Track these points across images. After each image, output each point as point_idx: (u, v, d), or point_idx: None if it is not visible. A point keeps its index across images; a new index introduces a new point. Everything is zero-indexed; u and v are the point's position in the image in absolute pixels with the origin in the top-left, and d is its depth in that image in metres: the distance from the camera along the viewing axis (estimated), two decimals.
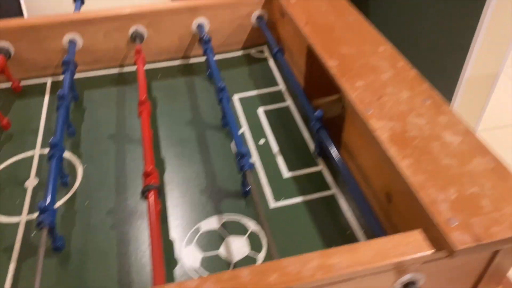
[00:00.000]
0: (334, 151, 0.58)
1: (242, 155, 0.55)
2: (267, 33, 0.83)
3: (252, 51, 0.90)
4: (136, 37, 0.81)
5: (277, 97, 0.79)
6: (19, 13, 1.87)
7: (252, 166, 0.55)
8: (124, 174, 0.64)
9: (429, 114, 0.52)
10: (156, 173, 0.53)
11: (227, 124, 0.67)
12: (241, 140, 0.58)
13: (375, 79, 0.58)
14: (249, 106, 0.77)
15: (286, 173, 0.64)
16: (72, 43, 0.79)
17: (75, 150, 0.69)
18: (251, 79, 0.83)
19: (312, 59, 0.69)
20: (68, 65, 0.72)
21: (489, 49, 1.21)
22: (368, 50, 0.64)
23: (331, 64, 0.61)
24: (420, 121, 0.51)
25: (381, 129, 0.50)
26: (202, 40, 0.79)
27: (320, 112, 0.60)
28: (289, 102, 0.77)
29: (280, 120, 0.74)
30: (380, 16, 1.75)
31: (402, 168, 0.45)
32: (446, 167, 0.45)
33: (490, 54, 1.22)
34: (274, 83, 0.82)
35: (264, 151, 0.68)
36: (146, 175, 0.52)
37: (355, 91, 0.56)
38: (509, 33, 1.18)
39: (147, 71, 0.85)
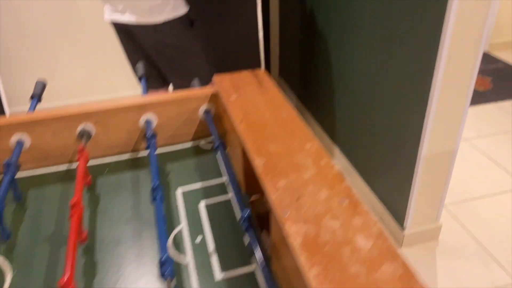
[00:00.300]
0: (258, 253, 0.57)
1: (163, 263, 0.54)
2: (212, 126, 0.85)
3: (201, 142, 0.92)
4: (84, 135, 0.84)
5: (221, 189, 0.79)
6: (1, 110, 1.93)
7: (172, 275, 0.54)
8: (53, 281, 0.63)
9: (345, 215, 0.52)
10: (73, 285, 0.52)
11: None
12: (166, 245, 0.58)
13: (298, 177, 0.59)
14: (192, 200, 0.77)
15: (218, 274, 0.62)
16: (19, 143, 0.81)
17: (8, 254, 0.67)
18: (197, 171, 0.84)
19: (247, 155, 0.70)
20: (8, 168, 0.73)
21: (442, 127, 1.25)
22: (295, 147, 0.66)
23: (258, 162, 0.63)
24: (335, 223, 0.51)
25: (295, 233, 0.50)
26: (146, 138, 0.82)
27: (247, 211, 0.61)
28: (231, 195, 0.78)
29: (220, 214, 0.74)
30: (338, 103, 1.84)
31: (309, 278, 0.45)
32: (354, 275, 0.45)
33: (444, 132, 1.26)
34: (219, 174, 0.83)
35: (200, 249, 0.67)
36: (61, 286, 0.51)
37: (276, 191, 0.57)
38: (461, 111, 1.23)
39: (95, 166, 0.86)
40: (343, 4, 1.60)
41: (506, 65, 2.96)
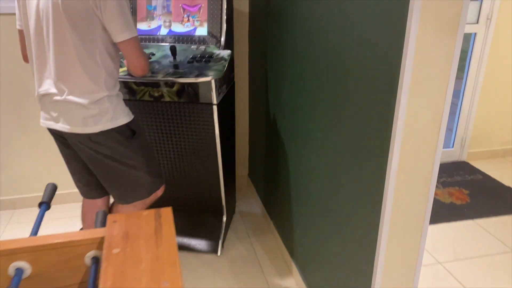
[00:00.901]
0: None
1: None
2: (91, 279, 0.70)
3: None
4: None
5: None
6: None
7: None
8: None
9: None
10: None
11: None
12: None
13: None
14: None
15: None
16: None
17: None
18: None
19: None
20: None
21: (395, 270, 1.10)
22: None
23: None
24: None
25: None
26: None
27: None
28: None
29: None
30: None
31: None
32: None
33: (397, 270, 1.11)
34: None
35: None
36: None
37: None
38: (414, 259, 1.10)
39: None
40: (303, 119, 1.54)
41: (484, 176, 2.88)
